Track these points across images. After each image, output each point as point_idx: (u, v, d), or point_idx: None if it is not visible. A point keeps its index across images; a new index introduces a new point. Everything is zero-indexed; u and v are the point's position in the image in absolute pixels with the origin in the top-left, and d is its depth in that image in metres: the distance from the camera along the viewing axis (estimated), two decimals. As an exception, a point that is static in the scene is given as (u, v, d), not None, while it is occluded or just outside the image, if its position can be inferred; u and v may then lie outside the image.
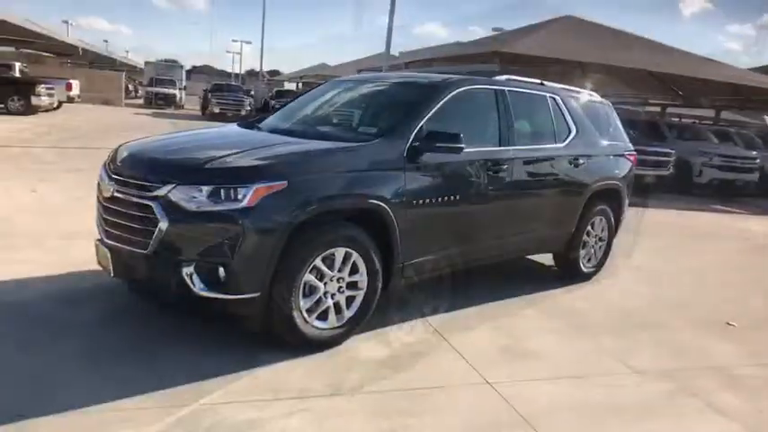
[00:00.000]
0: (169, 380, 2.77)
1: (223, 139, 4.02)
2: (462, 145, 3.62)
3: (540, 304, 4.51)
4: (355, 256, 3.33)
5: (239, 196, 2.90)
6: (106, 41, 57.85)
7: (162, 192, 2.95)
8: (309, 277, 3.16)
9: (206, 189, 2.92)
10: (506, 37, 14.55)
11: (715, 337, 4.22)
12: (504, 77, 4.66)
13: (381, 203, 3.36)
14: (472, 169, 3.96)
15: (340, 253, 3.26)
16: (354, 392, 2.87)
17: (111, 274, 3.23)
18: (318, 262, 3.18)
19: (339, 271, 3.30)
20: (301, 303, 3.14)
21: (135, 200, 3.06)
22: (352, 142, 3.55)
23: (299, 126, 4.20)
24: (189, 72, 44.17)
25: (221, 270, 2.91)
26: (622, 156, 5.53)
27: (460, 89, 4.06)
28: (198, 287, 2.93)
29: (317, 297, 3.23)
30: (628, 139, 5.80)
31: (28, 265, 4.09)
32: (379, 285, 3.50)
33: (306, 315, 3.18)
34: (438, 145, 3.59)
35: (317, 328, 3.25)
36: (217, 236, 2.90)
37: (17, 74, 20.68)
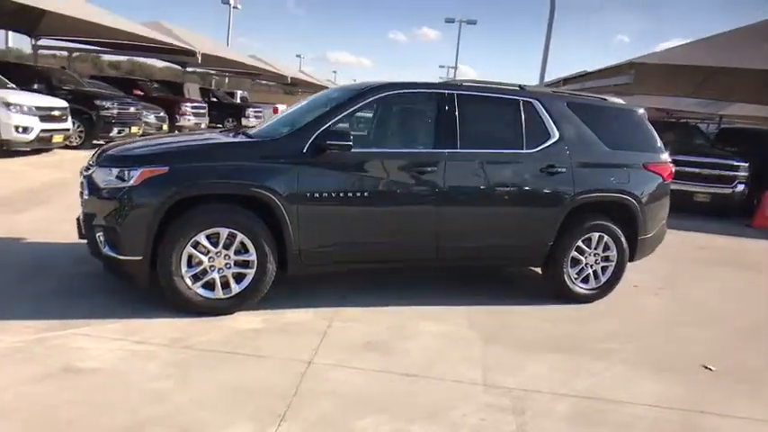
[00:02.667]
0: (68, 313, 3.58)
1: (172, 138, 4.84)
2: (349, 143, 3.84)
3: (474, 315, 4.32)
4: (242, 237, 3.79)
5: (129, 177, 3.64)
6: (335, 72, 65.46)
7: (89, 171, 3.85)
8: (192, 250, 3.72)
9: (114, 171, 3.72)
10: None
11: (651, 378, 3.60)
12: (462, 81, 4.63)
13: (266, 192, 3.77)
14: (380, 168, 4.11)
15: (224, 233, 3.76)
16: (190, 348, 3.33)
17: (78, 237, 4.22)
18: (201, 237, 3.72)
19: (226, 248, 3.79)
20: (183, 271, 3.72)
21: (81, 178, 4.02)
22: (267, 139, 4.05)
23: (262, 130, 4.74)
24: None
25: (114, 234, 3.66)
26: (640, 167, 4.90)
27: (386, 93, 4.25)
28: (104, 248, 3.73)
29: (202, 268, 3.76)
30: (661, 150, 5.10)
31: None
32: (271, 267, 3.89)
33: (189, 282, 3.74)
34: (329, 143, 3.86)
35: (201, 296, 3.78)
36: (113, 207, 3.66)
37: (237, 100, 25.11)
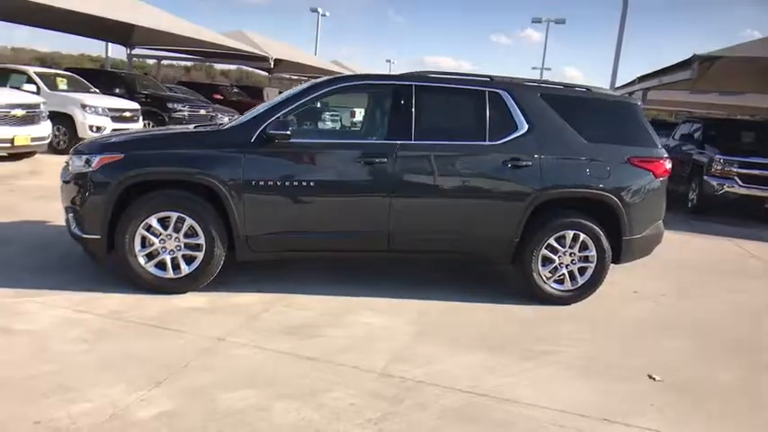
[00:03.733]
0: (39, 284, 4.00)
1: (150, 130, 5.17)
2: (286, 132, 3.96)
3: (426, 310, 4.25)
4: (191, 221, 4.04)
5: (91, 163, 4.01)
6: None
7: (68, 158, 4.28)
8: (144, 232, 4.02)
9: (83, 158, 4.11)
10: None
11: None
12: (427, 73, 4.59)
13: (211, 179, 3.99)
14: (326, 159, 4.19)
15: (174, 216, 4.03)
16: (121, 320, 3.61)
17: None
18: (153, 220, 4.01)
19: (176, 232, 4.05)
20: (137, 251, 4.02)
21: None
22: (221, 129, 4.29)
23: (233, 122, 4.91)
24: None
25: (78, 215, 4.05)
26: (624, 162, 4.57)
27: (339, 85, 4.33)
28: (72, 227, 4.14)
29: (154, 249, 4.05)
30: (652, 144, 4.72)
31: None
32: (219, 252, 4.10)
33: (142, 261, 4.04)
34: (271, 133, 4.01)
35: (153, 274, 4.07)
36: (77, 190, 4.05)
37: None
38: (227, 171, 4.02)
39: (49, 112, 9.81)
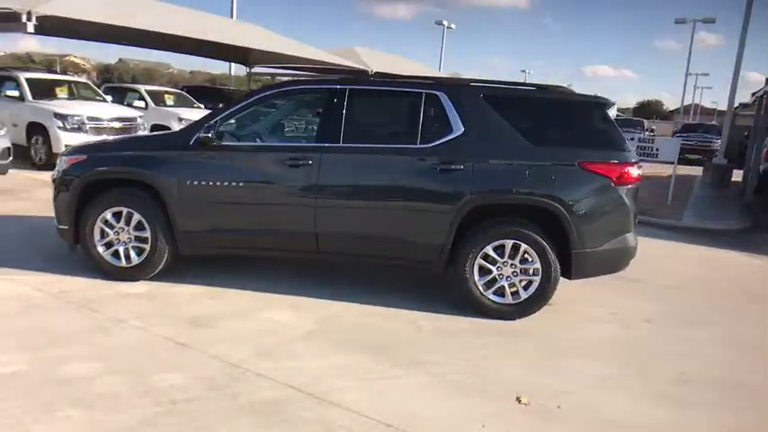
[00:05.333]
0: (20, 265, 4.72)
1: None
2: (208, 135, 4.25)
3: (343, 312, 4.26)
4: (138, 216, 4.51)
5: (63, 163, 4.67)
6: (570, 84, 62.66)
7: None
8: (101, 224, 4.56)
9: (63, 159, 4.79)
10: None
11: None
12: (371, 76, 4.58)
13: (151, 178, 4.42)
14: (256, 161, 4.40)
15: (124, 212, 4.52)
16: (59, 298, 4.15)
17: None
18: (108, 215, 4.54)
19: (127, 224, 4.54)
20: (96, 240, 4.58)
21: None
22: (171, 133, 4.72)
23: None
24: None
25: (55, 208, 4.72)
26: (574, 166, 4.15)
27: (276, 91, 4.52)
28: (54, 219, 4.83)
29: (109, 240, 4.58)
30: (615, 146, 4.24)
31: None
32: (161, 245, 4.51)
33: (101, 250, 4.59)
34: (202, 136, 4.33)
35: (109, 263, 4.59)
36: (55, 187, 4.73)
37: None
38: (167, 171, 4.42)
39: (153, 124, 11.25)
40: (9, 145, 8.54)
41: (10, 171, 8.29)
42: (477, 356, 3.66)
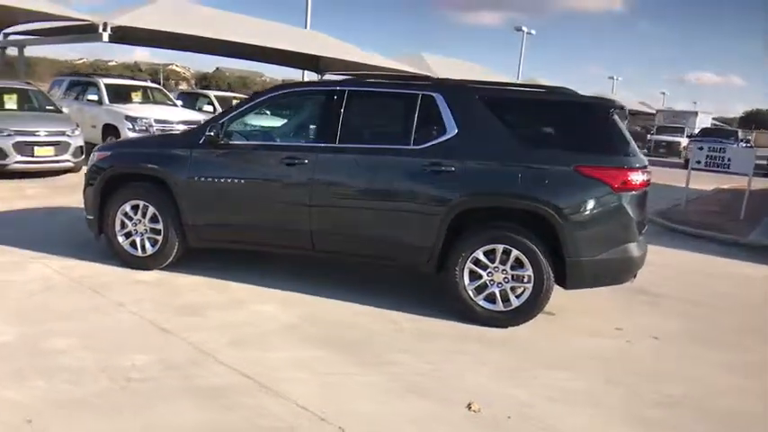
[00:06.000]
0: (51, 251, 5.17)
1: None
2: (210, 134, 4.47)
3: (333, 311, 4.31)
4: (152, 209, 4.82)
5: (93, 158, 5.09)
6: (664, 94, 59.28)
7: None
8: (122, 216, 4.91)
9: (93, 154, 5.22)
10: None
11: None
12: (367, 77, 4.63)
13: (160, 174, 4.72)
14: (256, 160, 4.56)
15: (141, 205, 4.85)
16: (77, 282, 4.52)
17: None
18: (127, 207, 4.89)
19: (143, 217, 4.87)
20: (116, 230, 4.94)
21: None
22: (186, 132, 5.01)
23: None
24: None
25: (84, 199, 5.14)
26: (569, 170, 3.97)
27: (279, 93, 4.68)
28: (84, 210, 5.26)
29: (128, 230, 4.92)
30: (616, 151, 4.01)
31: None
32: (172, 236, 4.79)
33: (120, 240, 4.94)
34: (209, 135, 4.56)
35: (127, 252, 4.93)
36: (85, 179, 5.14)
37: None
38: (177, 168, 4.69)
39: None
40: (82, 144, 9.38)
41: (83, 168, 9.11)
42: (446, 360, 3.59)
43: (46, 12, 9.46)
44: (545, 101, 4.30)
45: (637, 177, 3.98)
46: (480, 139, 4.17)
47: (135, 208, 4.87)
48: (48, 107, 9.94)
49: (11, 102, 9.69)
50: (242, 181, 4.57)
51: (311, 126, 4.67)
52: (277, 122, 5.27)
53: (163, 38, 13.88)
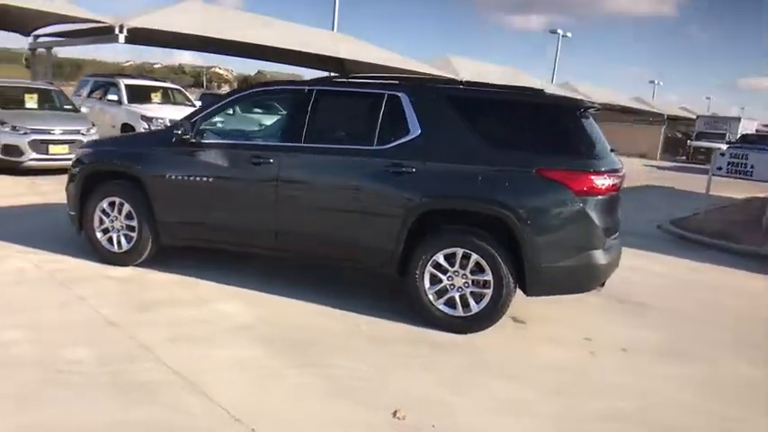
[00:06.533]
0: (43, 246, 5.33)
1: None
2: (178, 132, 4.50)
3: (291, 310, 4.28)
4: (127, 206, 4.89)
5: (77, 155, 5.22)
6: (708, 98, 57.24)
7: None
8: (99, 213, 5.00)
9: (78, 151, 5.35)
10: None
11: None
12: (339, 77, 4.58)
13: (134, 171, 4.78)
14: (223, 158, 4.56)
15: (116, 201, 4.93)
16: (49, 275, 4.63)
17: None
18: (104, 204, 4.97)
19: (119, 213, 4.95)
20: (95, 226, 5.03)
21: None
22: (162, 130, 5.07)
23: None
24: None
25: (66, 195, 5.26)
26: (531, 172, 3.82)
27: (252, 91, 4.69)
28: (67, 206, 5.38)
29: (105, 227, 5.01)
30: (582, 154, 3.84)
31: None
32: (146, 233, 4.84)
33: (99, 236, 5.03)
34: (177, 133, 4.60)
35: (105, 248, 5.01)
36: (68, 176, 5.26)
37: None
38: (150, 166, 4.75)
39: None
40: (96, 143, 9.63)
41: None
42: (393, 365, 3.50)
43: (65, 14, 9.85)
44: (510, 101, 4.16)
45: (602, 181, 3.80)
46: (443, 140, 4.06)
47: (112, 204, 4.95)
48: (66, 107, 10.29)
49: (31, 101, 10.06)
50: (210, 179, 4.59)
51: (279, 126, 4.65)
52: (250, 122, 5.28)
53: (191, 40, 14.24)
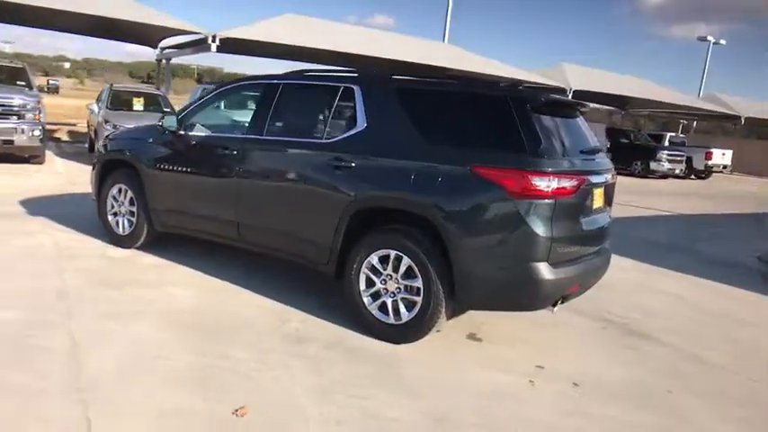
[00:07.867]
0: (68, 225, 5.94)
1: None
2: (160, 124, 4.74)
3: (233, 294, 4.28)
4: (130, 193, 5.27)
5: (100, 145, 5.75)
6: None
7: None
8: (111, 199, 5.44)
9: (100, 143, 5.89)
10: None
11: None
12: (304, 71, 4.54)
13: (130, 159, 5.15)
14: (197, 150, 4.74)
15: (123, 188, 5.33)
16: (58, 249, 5.13)
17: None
18: (114, 190, 5.41)
19: (125, 199, 5.36)
20: (108, 209, 5.49)
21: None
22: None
23: None
24: None
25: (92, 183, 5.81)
26: (465, 170, 3.43)
27: (231, 86, 4.83)
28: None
29: (114, 211, 5.45)
30: (530, 152, 3.36)
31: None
32: (142, 218, 5.19)
33: (110, 218, 5.47)
34: (164, 125, 4.86)
35: (113, 230, 5.45)
36: (92, 164, 5.81)
37: (665, 142, 22.74)
38: (144, 156, 5.08)
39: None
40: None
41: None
42: (282, 364, 3.34)
43: (170, 26, 11.05)
44: (456, 93, 3.78)
45: (543, 183, 3.29)
46: (385, 135, 3.83)
47: (120, 191, 5.38)
48: (165, 108, 11.41)
49: (138, 104, 11.30)
50: (188, 170, 4.79)
51: (247, 119, 4.71)
52: (234, 115, 5.42)
53: (281, 49, 14.99)
